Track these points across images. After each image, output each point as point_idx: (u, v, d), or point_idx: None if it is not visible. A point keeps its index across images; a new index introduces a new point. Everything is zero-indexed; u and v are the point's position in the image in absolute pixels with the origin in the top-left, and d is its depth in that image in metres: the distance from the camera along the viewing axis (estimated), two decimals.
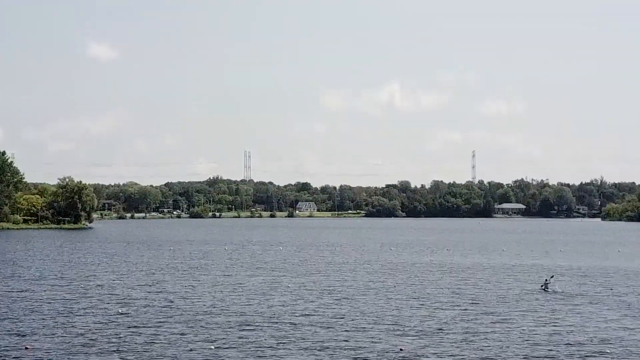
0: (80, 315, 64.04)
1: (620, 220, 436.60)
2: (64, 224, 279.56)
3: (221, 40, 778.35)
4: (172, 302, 72.51)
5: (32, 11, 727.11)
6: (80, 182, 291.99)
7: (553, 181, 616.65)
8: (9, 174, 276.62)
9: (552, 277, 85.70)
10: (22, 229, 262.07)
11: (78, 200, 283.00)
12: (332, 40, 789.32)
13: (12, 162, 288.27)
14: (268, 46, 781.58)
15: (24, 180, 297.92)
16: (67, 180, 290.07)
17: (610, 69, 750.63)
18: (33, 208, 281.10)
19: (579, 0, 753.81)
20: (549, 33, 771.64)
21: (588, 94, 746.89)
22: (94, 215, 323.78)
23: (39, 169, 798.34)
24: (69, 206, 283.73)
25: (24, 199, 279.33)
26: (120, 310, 66.40)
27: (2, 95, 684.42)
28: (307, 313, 65.11)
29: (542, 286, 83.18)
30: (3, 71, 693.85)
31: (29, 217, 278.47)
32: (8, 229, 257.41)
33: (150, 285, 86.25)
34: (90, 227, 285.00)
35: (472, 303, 72.41)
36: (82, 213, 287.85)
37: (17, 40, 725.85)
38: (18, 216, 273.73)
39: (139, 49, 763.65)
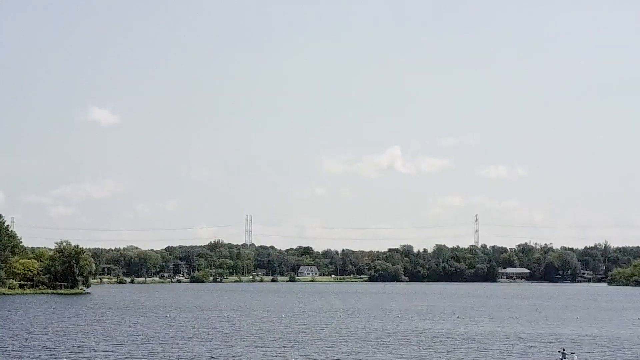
0: None
1: (627, 285, 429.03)
2: (61, 289, 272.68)
3: (222, 105, 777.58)
4: None
5: (33, 76, 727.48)
6: (78, 246, 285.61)
7: (556, 245, 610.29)
8: (5, 238, 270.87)
9: (563, 350, 78.85)
10: (18, 294, 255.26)
11: (75, 265, 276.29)
12: (333, 104, 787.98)
13: (8, 225, 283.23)
14: (268, 111, 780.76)
15: (21, 244, 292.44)
16: (64, 244, 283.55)
17: (610, 134, 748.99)
18: (29, 273, 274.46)
19: (578, 67, 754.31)
20: (549, 99, 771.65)
21: (588, 159, 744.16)
22: (93, 280, 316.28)
23: (40, 233, 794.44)
24: (65, 271, 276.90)
25: (20, 264, 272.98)
26: None
27: (3, 160, 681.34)
28: None
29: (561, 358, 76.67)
30: (4, 136, 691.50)
31: (25, 282, 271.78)
32: (3, 294, 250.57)
33: (139, 358, 79.60)
34: (87, 293, 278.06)
35: None
36: (79, 278, 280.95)
37: (18, 105, 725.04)
38: (14, 281, 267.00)
39: (140, 113, 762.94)
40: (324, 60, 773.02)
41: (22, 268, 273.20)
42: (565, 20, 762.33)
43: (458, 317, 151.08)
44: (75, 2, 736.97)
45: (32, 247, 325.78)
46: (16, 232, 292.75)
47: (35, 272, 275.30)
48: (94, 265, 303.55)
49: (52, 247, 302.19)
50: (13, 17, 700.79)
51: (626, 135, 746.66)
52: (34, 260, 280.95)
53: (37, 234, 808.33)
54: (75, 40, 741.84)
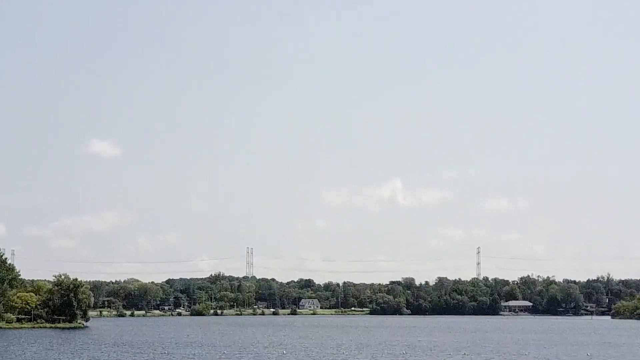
0: None
1: (630, 318, 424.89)
2: (59, 322, 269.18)
3: (222, 137, 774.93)
4: None
5: (33, 108, 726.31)
6: (76, 279, 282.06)
7: (559, 278, 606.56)
8: (3, 271, 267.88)
9: None
10: (15, 328, 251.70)
11: (74, 298, 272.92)
12: (333, 137, 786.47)
13: (6, 258, 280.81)
14: (268, 143, 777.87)
15: (19, 277, 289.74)
16: (62, 277, 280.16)
17: (610, 166, 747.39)
18: (27, 306, 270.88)
19: (578, 100, 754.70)
20: (548, 131, 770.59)
21: (588, 191, 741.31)
22: (92, 313, 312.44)
23: (41, 266, 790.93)
24: (64, 304, 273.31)
25: (17, 297, 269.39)
26: None
27: (4, 192, 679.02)
28: None
29: None
30: (5, 168, 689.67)
31: (23, 316, 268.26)
32: (0, 328, 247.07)
33: None
34: (86, 326, 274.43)
35: None
36: (78, 311, 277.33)
37: (18, 138, 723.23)
38: (11, 315, 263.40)
39: (141, 146, 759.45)
40: (324, 92, 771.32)
41: (20, 302, 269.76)
42: (567, 56, 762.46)
43: (465, 353, 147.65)
44: (76, 36, 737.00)
45: (31, 280, 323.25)
46: (16, 265, 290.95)
47: (34, 305, 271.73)
48: (92, 299, 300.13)
49: (52, 279, 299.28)
50: (13, 50, 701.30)
51: (626, 168, 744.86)
52: (32, 294, 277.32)
53: (37, 267, 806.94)
54: (75, 72, 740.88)
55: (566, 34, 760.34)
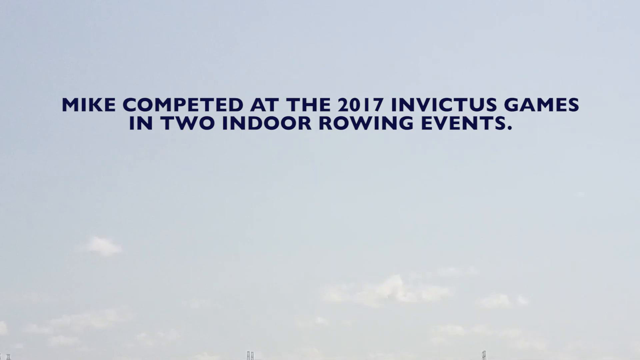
0: None
1: None
2: None
3: (221, 236, 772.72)
4: None
5: (33, 206, 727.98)
6: None
7: None
8: None
9: None
10: None
11: None
12: (332, 234, 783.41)
13: None
14: (268, 241, 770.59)
15: None
16: None
17: (610, 263, 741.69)
18: None
19: (576, 198, 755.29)
20: (548, 228, 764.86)
21: (588, 287, 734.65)
22: None
23: None
24: None
25: None
26: None
27: (4, 290, 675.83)
28: None
29: None
30: (4, 266, 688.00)
31: None
32: None
33: None
34: None
35: None
36: None
37: (17, 237, 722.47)
38: None
39: (142, 243, 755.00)
40: (323, 189, 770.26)
41: None
42: (564, 152, 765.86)
43: None
44: (76, 132, 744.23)
45: None
46: None
47: None
48: None
49: None
50: (13, 148, 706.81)
51: (628, 264, 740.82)
52: None
53: None
54: (74, 169, 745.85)
55: (568, 130, 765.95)
